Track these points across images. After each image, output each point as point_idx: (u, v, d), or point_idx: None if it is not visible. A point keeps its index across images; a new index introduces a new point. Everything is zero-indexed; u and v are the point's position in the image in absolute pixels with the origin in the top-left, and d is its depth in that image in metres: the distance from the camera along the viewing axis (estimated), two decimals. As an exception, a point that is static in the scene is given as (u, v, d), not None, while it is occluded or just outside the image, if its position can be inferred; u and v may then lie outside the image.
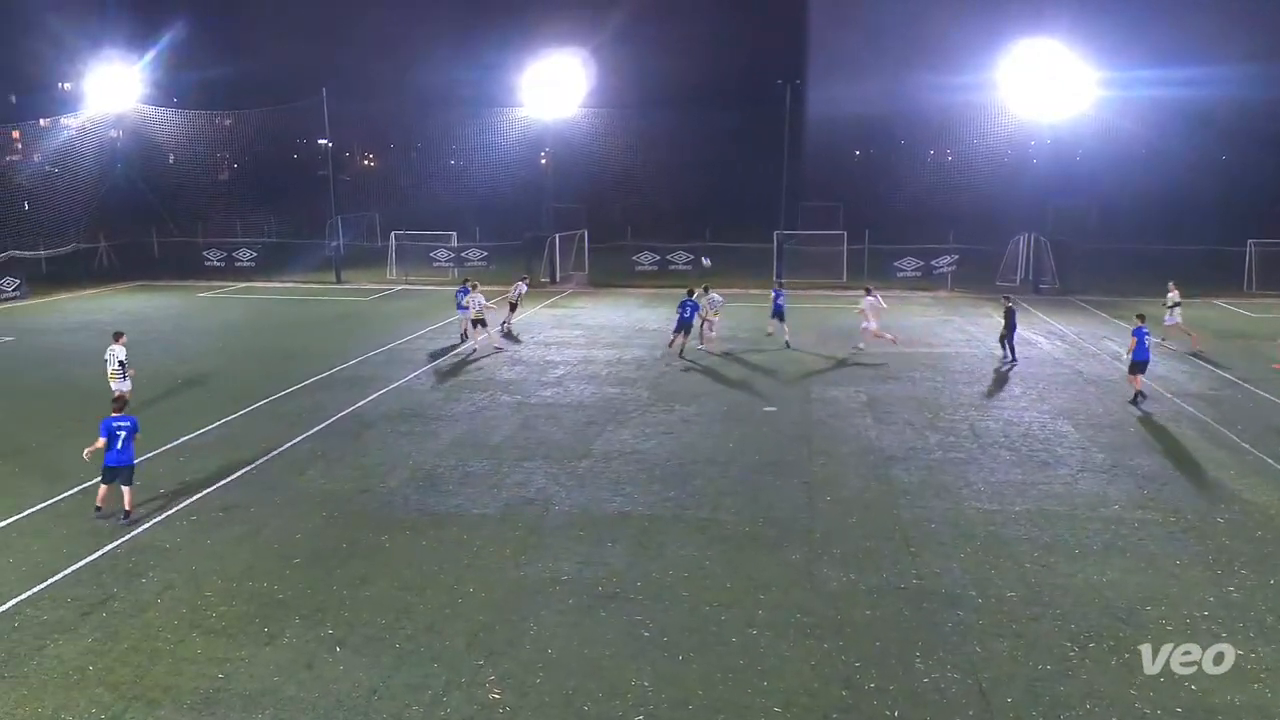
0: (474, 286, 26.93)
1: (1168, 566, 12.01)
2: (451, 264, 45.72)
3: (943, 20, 65.74)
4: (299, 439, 17.85)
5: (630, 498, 14.69)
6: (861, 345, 26.25)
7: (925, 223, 46.16)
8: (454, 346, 27.01)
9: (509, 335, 28.49)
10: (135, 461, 13.86)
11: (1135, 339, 20.34)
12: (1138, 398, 20.20)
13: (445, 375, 23.48)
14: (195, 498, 14.61)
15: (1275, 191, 57.27)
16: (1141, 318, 21.29)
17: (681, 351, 25.40)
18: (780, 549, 12.66)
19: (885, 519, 13.74)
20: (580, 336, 29.05)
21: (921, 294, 38.14)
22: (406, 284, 43.33)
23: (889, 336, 25.98)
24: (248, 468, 16.10)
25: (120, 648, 10.10)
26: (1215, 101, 54.99)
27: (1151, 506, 14.13)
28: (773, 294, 28.29)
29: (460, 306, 27.27)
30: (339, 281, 43.99)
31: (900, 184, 56.05)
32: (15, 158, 60.11)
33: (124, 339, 19.40)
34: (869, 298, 26.19)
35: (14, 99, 72.55)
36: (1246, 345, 27.08)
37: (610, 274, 43.53)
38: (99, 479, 13.78)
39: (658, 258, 44.41)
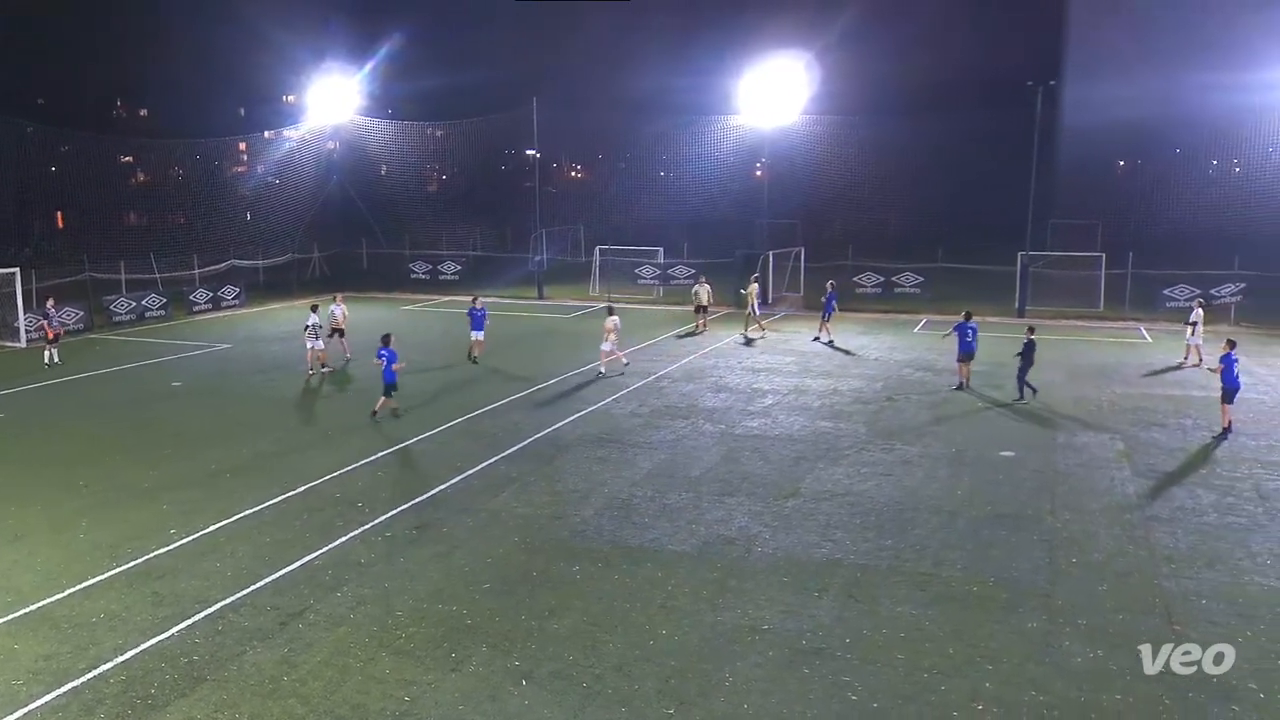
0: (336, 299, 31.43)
1: None
2: (657, 281, 46.64)
3: (1232, 7, 60.81)
4: (494, 459, 18.69)
5: (841, 544, 14.41)
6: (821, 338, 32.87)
7: (1204, 245, 42.70)
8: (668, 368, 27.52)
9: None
10: (391, 382, 21.49)
11: None
12: None
13: (646, 400, 23.93)
14: (391, 513, 15.59)
15: None
16: None
17: (966, 383, 25.07)
18: (1014, 615, 12.04)
19: (1144, 589, 12.78)
20: (792, 364, 28.84)
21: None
22: (609, 301, 44.46)
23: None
24: (443, 486, 17.01)
25: (313, 660, 10.90)
26: None
27: None
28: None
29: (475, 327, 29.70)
30: (541, 297, 45.85)
31: (1175, 199, 52.18)
32: (241, 169, 66.80)
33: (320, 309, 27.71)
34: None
35: (242, 112, 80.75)
36: None
37: (828, 296, 42.88)
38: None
39: (881, 279, 43.44)
